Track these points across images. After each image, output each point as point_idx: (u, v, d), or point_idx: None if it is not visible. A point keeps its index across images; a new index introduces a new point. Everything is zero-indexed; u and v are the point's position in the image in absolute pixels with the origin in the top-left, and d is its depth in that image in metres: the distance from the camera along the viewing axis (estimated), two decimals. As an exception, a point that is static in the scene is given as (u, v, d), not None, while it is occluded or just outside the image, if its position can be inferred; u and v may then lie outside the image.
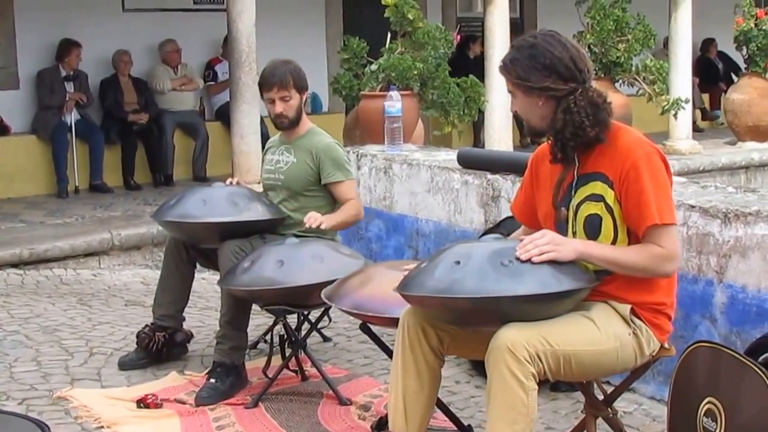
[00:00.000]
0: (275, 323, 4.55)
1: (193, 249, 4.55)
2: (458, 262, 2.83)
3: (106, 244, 6.92)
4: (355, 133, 7.01)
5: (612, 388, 3.16)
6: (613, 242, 2.96)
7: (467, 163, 5.36)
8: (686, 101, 9.71)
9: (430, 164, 5.56)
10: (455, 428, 3.61)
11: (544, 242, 2.84)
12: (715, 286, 3.84)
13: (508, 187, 4.96)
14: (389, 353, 3.46)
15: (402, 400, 3.04)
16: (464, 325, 3.00)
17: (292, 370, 4.27)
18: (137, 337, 4.57)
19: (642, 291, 2.98)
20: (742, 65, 11.46)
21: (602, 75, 9.60)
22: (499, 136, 9.30)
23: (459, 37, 11.42)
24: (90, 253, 6.84)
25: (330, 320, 4.60)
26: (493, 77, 8.87)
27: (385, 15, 6.92)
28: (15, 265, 6.53)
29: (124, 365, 4.52)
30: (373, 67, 6.88)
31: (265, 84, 4.41)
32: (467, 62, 10.99)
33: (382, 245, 5.90)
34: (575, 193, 3.01)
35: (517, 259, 2.80)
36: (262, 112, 7.52)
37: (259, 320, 4.90)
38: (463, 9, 13.23)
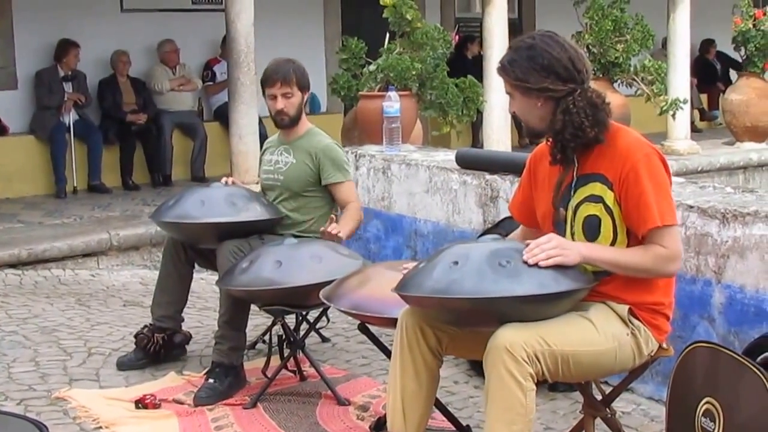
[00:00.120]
0: (274, 323, 4.54)
1: (192, 249, 4.55)
2: (456, 263, 2.83)
3: (104, 245, 6.91)
4: (353, 133, 7.01)
5: (610, 389, 3.16)
6: (613, 243, 2.96)
7: (466, 163, 5.36)
8: (684, 102, 9.71)
9: (429, 164, 5.55)
10: (454, 428, 3.61)
11: (551, 246, 2.83)
12: (714, 286, 3.83)
13: (507, 187, 4.95)
14: (388, 353, 3.46)
15: (400, 401, 3.03)
16: (462, 326, 3.00)
17: (290, 371, 4.27)
18: (136, 337, 4.56)
19: (640, 291, 2.97)
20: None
21: (601, 75, 9.59)
22: (498, 137, 9.31)
23: (457, 37, 11.37)
24: (88, 253, 6.84)
25: (328, 320, 4.60)
26: (491, 77, 8.88)
27: (384, 15, 6.91)
28: (13, 266, 6.52)
29: (123, 366, 4.52)
30: (372, 67, 6.88)
31: (267, 80, 4.40)
32: (465, 63, 10.99)
33: (381, 245, 5.89)
34: (574, 193, 3.01)
35: (525, 262, 2.79)
36: (261, 112, 7.56)
37: (257, 320, 4.89)
38: (462, 9, 13.24)
